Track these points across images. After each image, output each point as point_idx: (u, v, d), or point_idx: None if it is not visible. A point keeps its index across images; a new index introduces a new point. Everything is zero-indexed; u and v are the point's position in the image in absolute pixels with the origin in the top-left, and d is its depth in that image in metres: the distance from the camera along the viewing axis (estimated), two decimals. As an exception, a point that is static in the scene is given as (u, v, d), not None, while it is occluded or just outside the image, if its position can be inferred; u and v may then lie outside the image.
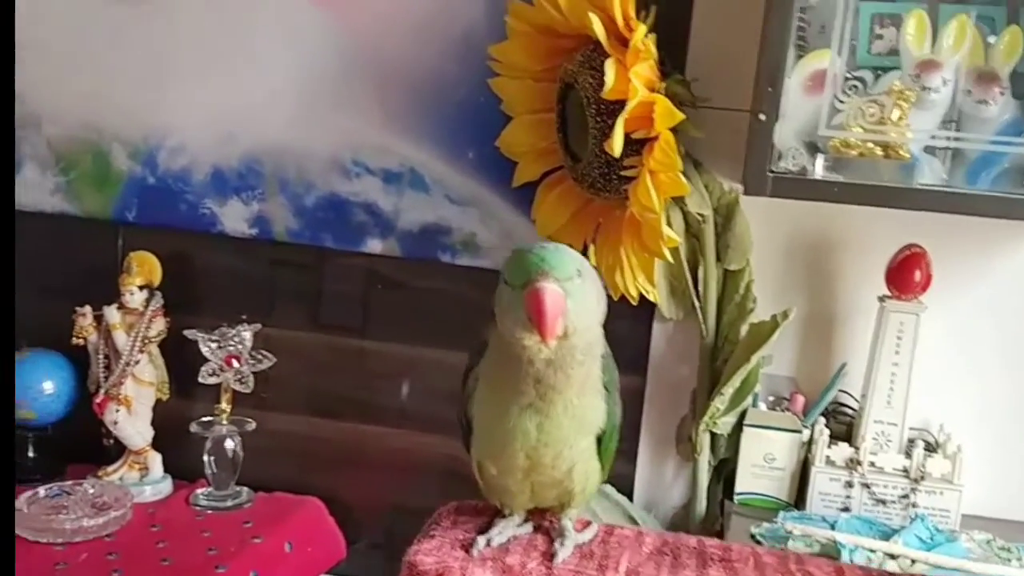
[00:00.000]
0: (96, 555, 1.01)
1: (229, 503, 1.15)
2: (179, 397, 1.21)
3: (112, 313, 1.15)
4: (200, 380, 1.15)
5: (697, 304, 1.07)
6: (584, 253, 1.07)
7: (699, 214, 1.03)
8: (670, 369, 1.13)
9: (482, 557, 0.77)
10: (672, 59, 0.98)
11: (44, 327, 1.19)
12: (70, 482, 1.12)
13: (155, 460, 1.18)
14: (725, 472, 1.10)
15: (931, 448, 1.04)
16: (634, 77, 0.89)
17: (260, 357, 1.17)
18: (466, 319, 1.18)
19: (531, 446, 0.74)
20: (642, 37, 0.90)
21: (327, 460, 1.23)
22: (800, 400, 1.07)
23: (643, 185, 0.90)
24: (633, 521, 1.08)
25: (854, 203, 0.92)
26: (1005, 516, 1.06)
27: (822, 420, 1.06)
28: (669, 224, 0.94)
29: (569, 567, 0.76)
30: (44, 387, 1.17)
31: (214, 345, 1.14)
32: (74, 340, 1.16)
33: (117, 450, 1.18)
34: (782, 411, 1.06)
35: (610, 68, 0.89)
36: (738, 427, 1.06)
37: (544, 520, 0.82)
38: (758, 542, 0.96)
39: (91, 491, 1.10)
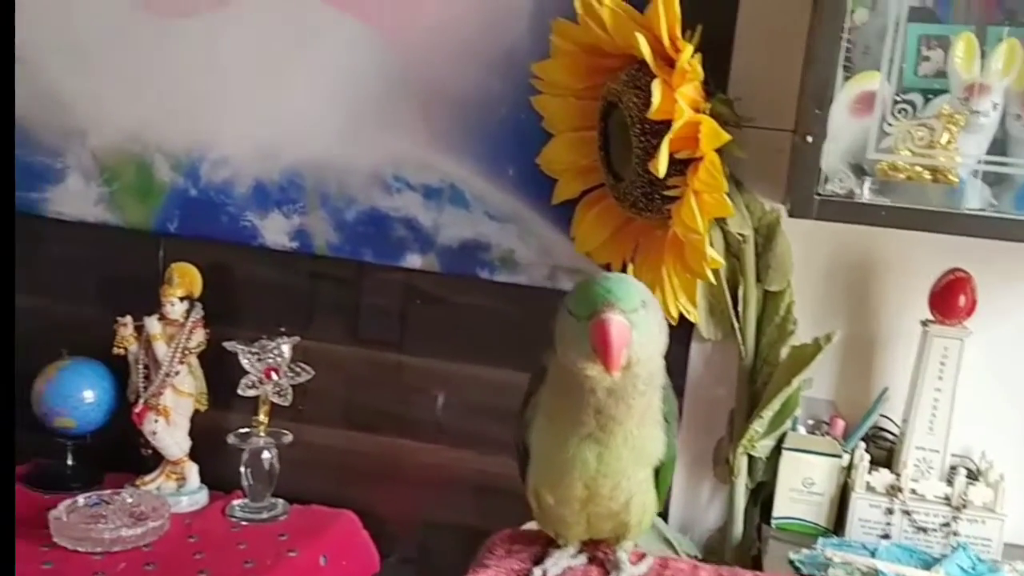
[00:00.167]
0: (134, 565, 1.01)
1: (265, 515, 1.16)
2: (216, 408, 1.22)
3: (153, 324, 1.16)
4: (239, 392, 1.16)
5: (736, 325, 1.07)
6: (623, 272, 1.07)
7: (740, 234, 1.02)
8: (708, 390, 1.13)
9: None
10: (714, 78, 0.98)
11: (85, 336, 1.21)
12: (108, 491, 1.12)
13: (192, 470, 1.19)
14: (762, 496, 1.09)
15: (973, 476, 1.02)
16: (680, 97, 0.89)
17: (299, 370, 1.17)
18: (504, 336, 1.19)
19: (590, 476, 0.74)
20: (688, 58, 0.90)
21: (362, 473, 1.23)
22: (840, 424, 1.06)
23: (687, 206, 0.90)
24: (668, 543, 1.07)
25: (902, 227, 0.91)
26: (1049, 547, 1.04)
27: (862, 445, 1.04)
28: (711, 244, 0.94)
29: (626, 600, 0.75)
30: (84, 396, 1.18)
31: (253, 357, 1.14)
32: (115, 350, 1.17)
33: (155, 460, 1.19)
34: (822, 435, 1.05)
35: (656, 89, 0.89)
36: (776, 450, 1.05)
37: (598, 551, 0.82)
38: (797, 568, 0.95)
39: (129, 500, 1.11)
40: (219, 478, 1.20)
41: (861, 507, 1.01)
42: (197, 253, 1.21)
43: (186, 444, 1.19)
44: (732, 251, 1.05)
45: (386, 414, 1.22)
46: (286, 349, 1.16)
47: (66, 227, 1.27)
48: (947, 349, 1.00)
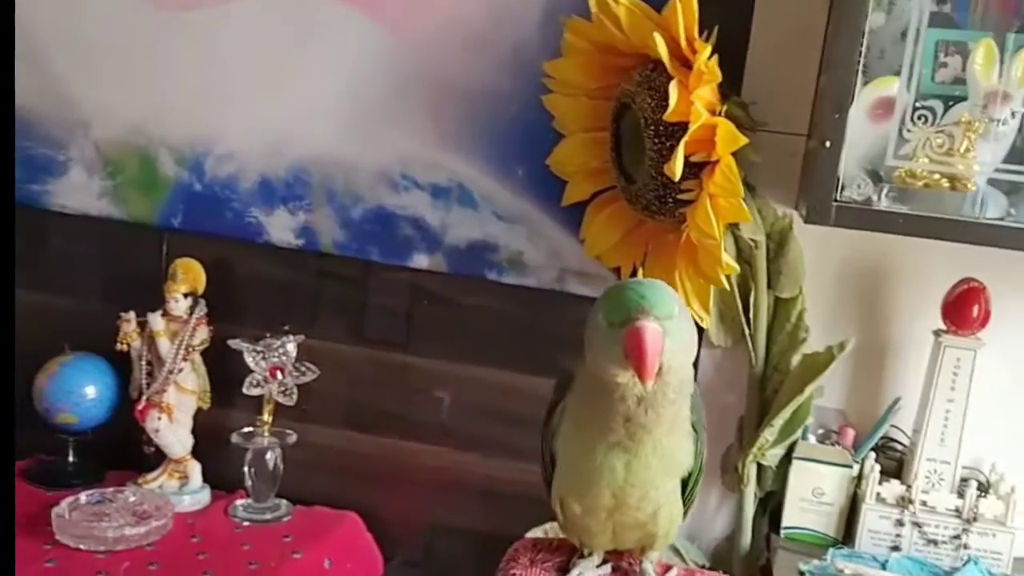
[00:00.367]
0: (138, 564, 1.00)
1: (268, 516, 1.15)
2: (218, 406, 1.20)
3: (156, 320, 1.15)
4: (244, 391, 1.14)
5: (747, 332, 1.05)
6: (633, 275, 1.05)
7: (752, 240, 1.01)
8: (717, 397, 1.11)
9: None
10: (728, 81, 0.97)
11: (88, 331, 1.20)
12: (111, 489, 1.12)
13: (195, 469, 1.18)
14: (771, 505, 1.08)
15: (983, 488, 1.01)
16: (696, 100, 0.88)
17: (304, 369, 1.16)
18: (511, 338, 1.17)
19: (618, 485, 0.73)
20: (705, 59, 0.88)
21: (365, 475, 1.22)
22: (850, 434, 1.05)
23: (702, 210, 0.89)
24: (676, 551, 1.06)
25: (919, 235, 0.90)
26: (1059, 561, 1.03)
27: (872, 455, 1.03)
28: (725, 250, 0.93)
29: (653, 612, 0.74)
30: (86, 391, 1.16)
31: (258, 356, 1.13)
32: (118, 346, 1.16)
33: (156, 458, 1.18)
34: (832, 445, 1.03)
35: (673, 90, 0.87)
36: (786, 459, 1.04)
37: (622, 561, 0.81)
38: (805, 581, 0.94)
39: (132, 499, 1.10)
40: (221, 477, 1.19)
41: (871, 518, 1.00)
42: (201, 249, 1.19)
43: (189, 442, 1.18)
44: (743, 257, 1.03)
45: (391, 415, 1.21)
46: (291, 348, 1.15)
47: (69, 220, 1.26)
48: (959, 360, 0.99)
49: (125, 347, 1.16)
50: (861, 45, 0.88)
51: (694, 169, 0.91)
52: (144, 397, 1.16)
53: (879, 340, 1.08)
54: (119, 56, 1.21)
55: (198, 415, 1.19)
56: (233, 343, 1.14)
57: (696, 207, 0.90)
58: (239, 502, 1.17)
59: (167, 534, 1.07)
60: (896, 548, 1.00)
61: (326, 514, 1.17)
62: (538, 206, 1.14)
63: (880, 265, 1.07)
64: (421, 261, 1.18)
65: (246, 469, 1.15)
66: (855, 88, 0.88)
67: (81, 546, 1.02)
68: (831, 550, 0.99)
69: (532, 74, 1.08)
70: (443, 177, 1.16)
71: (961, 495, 0.99)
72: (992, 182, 0.91)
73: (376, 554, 1.17)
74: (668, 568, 0.81)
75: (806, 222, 0.91)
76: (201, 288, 1.17)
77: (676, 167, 0.88)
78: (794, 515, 1.03)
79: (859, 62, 0.88)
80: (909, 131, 0.88)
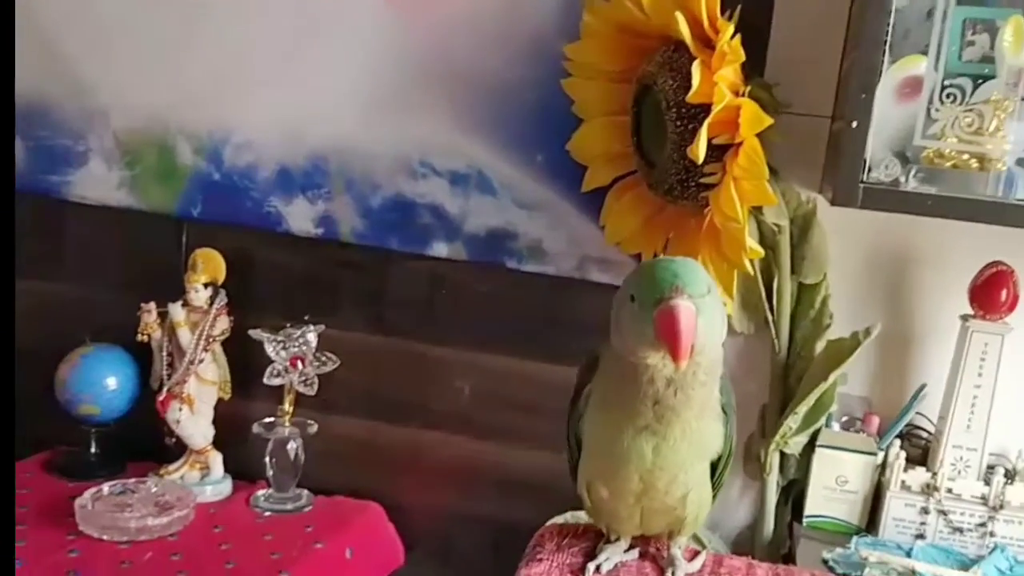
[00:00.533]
0: (160, 555, 1.00)
1: (290, 506, 1.14)
2: (238, 397, 1.20)
3: (177, 310, 1.15)
4: (265, 381, 1.14)
5: (770, 318, 1.04)
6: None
7: (775, 224, 0.99)
8: (739, 384, 1.07)
9: None
10: (751, 62, 0.95)
11: (108, 322, 1.20)
12: (133, 480, 1.12)
13: (216, 460, 1.18)
14: (794, 493, 1.07)
15: (1010, 476, 1.00)
16: (720, 80, 0.86)
17: (324, 359, 1.16)
18: (531, 327, 1.16)
19: (646, 469, 0.72)
20: (728, 39, 0.87)
21: (385, 465, 1.22)
22: (875, 421, 1.03)
23: (726, 193, 0.88)
24: (698, 540, 1.05)
25: (948, 217, 0.88)
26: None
27: (897, 443, 1.02)
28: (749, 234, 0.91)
29: (684, 597, 0.73)
30: (108, 383, 1.17)
31: (279, 346, 1.13)
32: (138, 337, 1.16)
33: (177, 449, 1.18)
34: (856, 432, 1.02)
35: (696, 71, 0.86)
36: (809, 447, 1.03)
37: (650, 546, 0.80)
38: (831, 568, 0.93)
39: (154, 489, 1.10)
40: (242, 468, 1.19)
41: (896, 506, 0.99)
42: (221, 239, 1.19)
43: (210, 433, 1.18)
44: (767, 242, 1.02)
45: (411, 404, 1.21)
46: (312, 337, 1.14)
47: (88, 211, 1.26)
48: (987, 345, 0.97)
49: (145, 338, 1.16)
50: (888, 24, 0.86)
51: (717, 152, 0.90)
52: (165, 388, 1.16)
53: (904, 326, 1.07)
54: (137, 45, 1.21)
55: (219, 406, 1.19)
56: (254, 333, 1.14)
57: (720, 190, 0.89)
58: (260, 492, 1.17)
59: (189, 525, 1.07)
60: (921, 536, 0.99)
61: (347, 504, 1.17)
62: (558, 193, 1.13)
63: (906, 250, 1.06)
64: (440, 249, 1.17)
65: (267, 459, 1.15)
66: (882, 68, 0.86)
67: (104, 537, 1.02)
68: (855, 538, 0.98)
69: (551, 58, 1.07)
70: (462, 164, 1.15)
71: (987, 482, 0.98)
72: (1021, 162, 0.89)
73: (397, 544, 1.17)
74: (696, 553, 0.81)
75: (833, 204, 0.89)
76: (221, 278, 1.17)
77: (700, 149, 0.87)
78: (817, 503, 1.02)
79: (885, 41, 0.87)
80: (937, 110, 0.87)
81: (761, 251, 0.92)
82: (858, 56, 0.87)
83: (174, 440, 1.17)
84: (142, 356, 1.19)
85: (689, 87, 0.87)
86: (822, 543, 0.98)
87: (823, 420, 1.02)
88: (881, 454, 1.01)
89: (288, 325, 1.15)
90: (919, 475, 0.99)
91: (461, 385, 1.19)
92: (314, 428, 1.17)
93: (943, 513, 0.99)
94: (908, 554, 0.95)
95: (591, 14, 1.00)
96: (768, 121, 0.87)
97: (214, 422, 1.19)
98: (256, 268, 1.22)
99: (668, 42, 0.94)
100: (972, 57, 0.88)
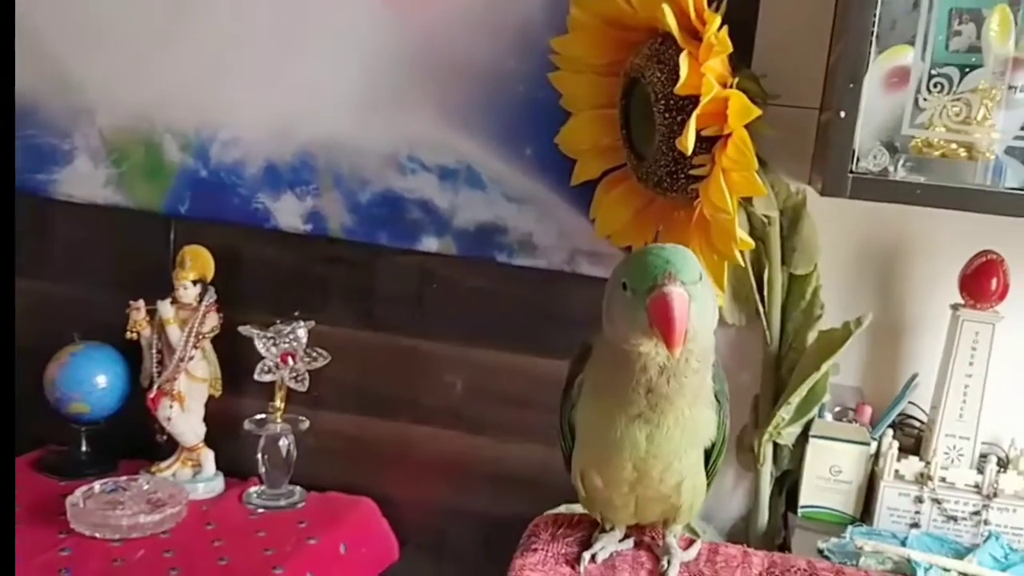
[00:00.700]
0: (153, 552, 1.00)
1: (282, 502, 1.14)
2: (228, 394, 1.20)
3: (166, 308, 1.15)
4: (256, 377, 1.14)
5: (761, 309, 1.04)
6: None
7: (765, 216, 0.99)
8: (731, 376, 1.07)
9: (589, 574, 0.75)
10: (738, 53, 0.95)
11: (97, 320, 1.19)
12: (125, 478, 1.11)
13: (208, 457, 1.18)
14: (787, 484, 1.07)
15: (1003, 464, 1.00)
16: (707, 72, 0.86)
17: (315, 355, 1.15)
18: (522, 320, 1.16)
19: (639, 457, 0.72)
20: (715, 30, 0.87)
21: (378, 460, 1.22)
22: (867, 411, 1.03)
23: (716, 184, 0.87)
24: (692, 531, 1.05)
25: (936, 206, 0.88)
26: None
27: (890, 432, 1.02)
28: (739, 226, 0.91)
29: (681, 587, 0.74)
30: (97, 381, 1.16)
31: (269, 342, 1.13)
32: (128, 335, 1.16)
33: (169, 446, 1.18)
34: (848, 422, 1.02)
35: (683, 62, 0.86)
36: (802, 438, 1.03)
37: (644, 535, 0.80)
38: (827, 558, 0.93)
39: (146, 487, 1.10)
40: (234, 464, 1.19)
41: (890, 495, 0.99)
42: (209, 236, 1.18)
43: (201, 430, 1.18)
44: (757, 234, 1.01)
45: (402, 400, 1.21)
46: (302, 333, 1.14)
47: (75, 209, 1.25)
48: (978, 334, 0.98)
49: (135, 336, 1.16)
50: (874, 15, 0.86)
51: (706, 143, 0.90)
52: (155, 386, 1.15)
53: (896, 316, 1.07)
54: (122, 42, 1.20)
55: (210, 403, 1.19)
56: (243, 329, 1.14)
57: (709, 182, 0.89)
58: (253, 489, 1.16)
59: (182, 522, 1.06)
60: (915, 525, 0.99)
61: (341, 500, 1.17)
62: (547, 186, 1.12)
63: (896, 240, 1.06)
64: (430, 244, 1.17)
65: (259, 456, 1.15)
66: (869, 58, 0.86)
67: (96, 534, 1.02)
68: (850, 528, 0.98)
69: (538, 52, 1.07)
70: (451, 159, 1.15)
71: (981, 471, 0.98)
72: (1010, 150, 0.89)
73: (391, 538, 1.17)
74: (691, 542, 0.81)
75: (822, 195, 0.89)
76: (210, 275, 1.17)
77: (688, 141, 0.86)
78: (811, 494, 1.02)
79: (872, 32, 0.86)
80: (925, 100, 0.87)
81: (751, 242, 0.92)
82: (845, 47, 0.86)
83: (165, 437, 1.17)
84: (132, 354, 1.18)
85: (677, 79, 0.87)
86: (817, 533, 0.98)
87: (816, 411, 1.02)
88: (874, 444, 1.01)
89: (278, 321, 1.15)
90: (912, 464, 0.99)
91: (453, 380, 1.19)
92: (306, 424, 1.16)
93: (937, 502, 0.99)
94: (903, 543, 0.95)
95: (578, 7, 1.00)
96: (756, 112, 0.87)
97: (205, 419, 1.18)
98: (245, 265, 1.21)
99: (655, 34, 0.94)
100: (959, 47, 0.88)
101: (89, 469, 1.16)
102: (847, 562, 0.91)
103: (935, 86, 0.87)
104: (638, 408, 0.70)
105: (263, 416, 1.16)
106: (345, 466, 1.21)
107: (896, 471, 0.99)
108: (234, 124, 1.19)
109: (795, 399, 1.00)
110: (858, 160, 0.87)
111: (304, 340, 1.15)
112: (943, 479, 0.98)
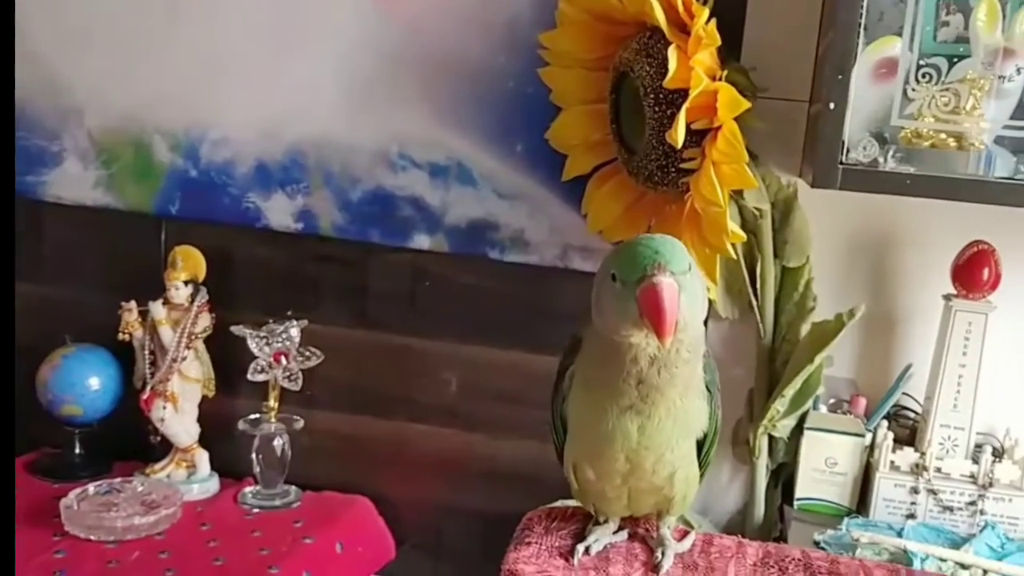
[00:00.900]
0: (148, 554, 1.00)
1: (277, 502, 1.14)
2: (222, 394, 1.20)
3: (158, 308, 1.14)
4: (249, 377, 1.14)
5: (754, 303, 1.04)
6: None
7: (757, 208, 0.99)
8: (725, 370, 1.08)
9: (583, 566, 0.75)
10: (727, 46, 0.95)
11: (88, 322, 1.19)
12: (119, 479, 1.11)
13: (202, 458, 1.17)
14: (783, 476, 1.07)
15: (998, 454, 1.00)
16: (696, 65, 0.86)
17: (308, 354, 1.15)
18: (515, 317, 1.16)
19: (631, 449, 0.72)
20: (703, 23, 0.87)
21: (372, 458, 1.21)
22: (862, 402, 1.03)
23: (706, 177, 0.87)
24: (688, 524, 1.05)
25: (927, 196, 0.88)
26: (1077, 524, 1.02)
27: (885, 424, 1.02)
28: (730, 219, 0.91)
29: (675, 578, 0.74)
30: (90, 383, 1.16)
31: (262, 342, 1.12)
32: (120, 336, 1.15)
33: (163, 447, 1.17)
34: (843, 414, 1.02)
35: (672, 56, 0.86)
36: (797, 430, 1.03)
37: (638, 527, 0.80)
38: (823, 550, 0.93)
39: (140, 489, 1.10)
40: (229, 465, 1.19)
41: (885, 487, 0.99)
42: (200, 236, 1.18)
43: (195, 431, 1.18)
44: (748, 227, 1.01)
45: (396, 398, 1.20)
46: (295, 333, 1.14)
47: (65, 211, 1.25)
48: (971, 324, 0.98)
49: (127, 337, 1.16)
50: (862, 6, 0.86)
51: (696, 137, 0.90)
52: (148, 387, 1.15)
53: (888, 307, 1.07)
54: (111, 43, 1.19)
55: (203, 403, 1.18)
56: (236, 329, 1.13)
57: (700, 175, 0.89)
58: (248, 489, 1.16)
59: (176, 523, 1.06)
60: (911, 516, 0.99)
61: (336, 499, 1.17)
62: (538, 182, 1.12)
63: (887, 231, 1.06)
64: (422, 241, 1.16)
65: (254, 456, 1.14)
66: (857, 50, 0.86)
67: (91, 536, 1.02)
68: (846, 519, 0.98)
69: (527, 47, 1.07)
70: (441, 156, 1.14)
71: (976, 461, 0.98)
72: (999, 140, 0.89)
73: (388, 537, 1.17)
74: (686, 533, 0.81)
75: (812, 187, 0.89)
76: (201, 275, 1.16)
77: (678, 134, 0.86)
78: (807, 486, 1.02)
79: (860, 23, 0.86)
80: (914, 90, 0.86)
81: (743, 235, 0.92)
82: (833, 38, 0.86)
83: (159, 439, 1.17)
84: (124, 355, 1.18)
85: (666, 73, 0.87)
86: (813, 525, 0.98)
87: (810, 403, 1.02)
88: (869, 435, 1.01)
89: (270, 321, 1.14)
90: (907, 455, 0.99)
91: (447, 377, 1.19)
92: (300, 423, 1.16)
93: (933, 492, 0.99)
94: (899, 534, 0.95)
95: (566, 2, 1.00)
96: (746, 104, 0.87)
97: (199, 420, 1.18)
98: (236, 264, 1.21)
99: (644, 28, 0.94)
100: (947, 37, 0.88)
101: (83, 471, 1.16)
102: (843, 554, 0.91)
103: (923, 76, 0.87)
104: (629, 399, 0.70)
105: (257, 416, 1.16)
106: (340, 465, 1.21)
107: (891, 462, 0.99)
108: (224, 123, 1.19)
109: (789, 392, 1.00)
110: (848, 151, 0.87)
111: (297, 339, 1.14)
112: (938, 469, 0.99)
